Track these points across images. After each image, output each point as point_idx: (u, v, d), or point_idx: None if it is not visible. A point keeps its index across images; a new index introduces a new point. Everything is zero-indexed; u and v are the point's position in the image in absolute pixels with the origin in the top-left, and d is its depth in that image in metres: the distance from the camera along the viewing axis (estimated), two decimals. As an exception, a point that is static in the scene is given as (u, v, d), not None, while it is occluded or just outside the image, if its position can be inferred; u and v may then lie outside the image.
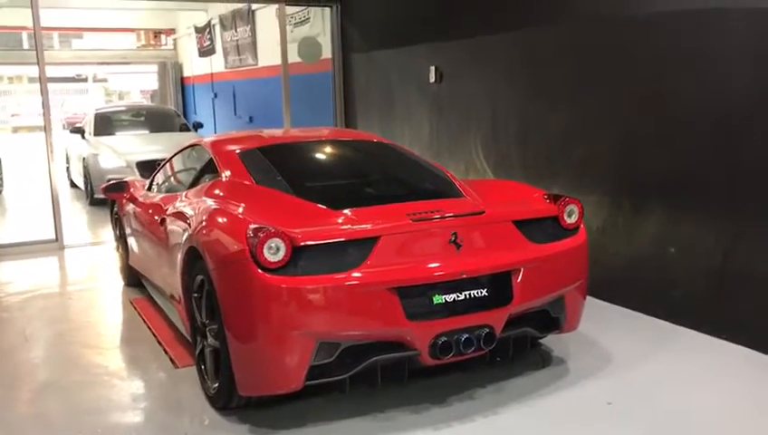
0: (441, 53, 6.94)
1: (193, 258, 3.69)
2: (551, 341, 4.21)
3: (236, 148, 4.44)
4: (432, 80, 7.02)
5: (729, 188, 4.22)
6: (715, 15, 4.19)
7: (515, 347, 3.75)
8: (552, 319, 3.79)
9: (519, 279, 3.49)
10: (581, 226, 3.88)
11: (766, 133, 3.98)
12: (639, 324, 4.64)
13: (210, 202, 3.86)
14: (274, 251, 3.10)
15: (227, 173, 4.18)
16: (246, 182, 4.04)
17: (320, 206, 3.57)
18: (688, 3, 4.33)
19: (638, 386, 3.71)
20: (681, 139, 4.48)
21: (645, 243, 4.82)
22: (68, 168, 12.37)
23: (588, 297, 3.95)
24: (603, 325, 4.52)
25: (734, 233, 4.21)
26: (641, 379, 3.80)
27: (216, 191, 4.04)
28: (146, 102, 22.77)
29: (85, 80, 33.47)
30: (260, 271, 3.10)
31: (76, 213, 9.99)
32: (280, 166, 4.15)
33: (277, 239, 3.10)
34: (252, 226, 3.22)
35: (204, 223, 3.60)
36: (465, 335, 3.32)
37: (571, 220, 3.82)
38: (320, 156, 4.71)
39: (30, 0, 7.23)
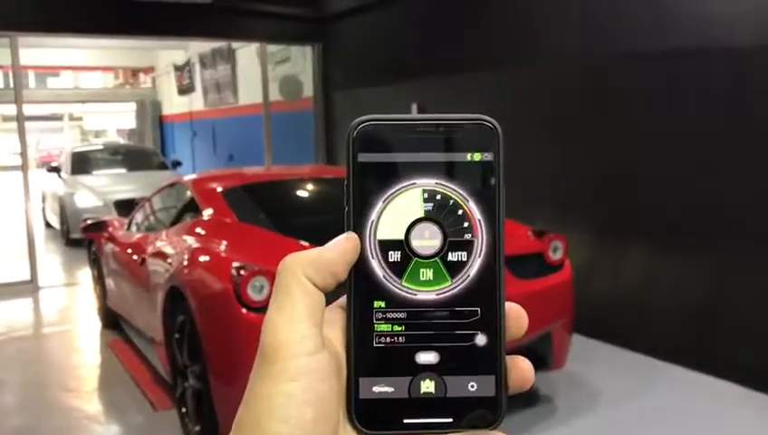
0: (422, 90, 6.99)
1: (174, 298, 3.62)
2: (538, 379, 4.15)
3: (218, 186, 4.40)
4: (413, 117, 7.05)
5: (712, 225, 4.25)
6: (694, 55, 4.26)
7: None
8: (538, 357, 3.75)
9: (506, 316, 3.46)
10: (567, 262, 3.87)
11: (746, 171, 4.03)
12: (626, 361, 4.62)
13: (192, 241, 3.81)
14: (259, 289, 3.05)
15: (209, 211, 4.13)
16: (228, 220, 3.99)
17: (303, 243, 3.53)
18: (668, 42, 4.41)
19: (626, 423, 3.67)
20: (664, 176, 4.52)
21: (629, 279, 4.83)
22: (43, 207, 12.21)
23: (574, 334, 3.93)
24: (590, 363, 4.49)
25: (717, 269, 4.23)
26: (629, 416, 3.76)
27: (198, 230, 3.98)
28: (123, 141, 22.65)
29: (60, 118, 33.26)
30: (244, 310, 3.04)
31: (51, 253, 9.82)
32: (263, 204, 4.12)
33: (261, 277, 3.05)
34: (235, 264, 3.17)
35: (186, 262, 3.54)
36: (453, 374, 3.27)
37: (556, 256, 3.81)
38: (303, 193, 4.68)
39: (9, 40, 7.19)
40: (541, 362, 3.77)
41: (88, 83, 20.68)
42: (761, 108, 3.94)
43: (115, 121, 27.43)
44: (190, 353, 3.51)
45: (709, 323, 4.28)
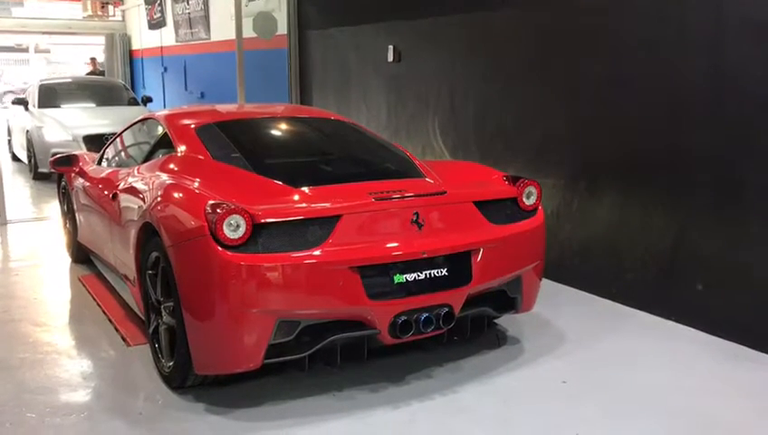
0: (400, 32, 6.90)
1: (148, 235, 3.60)
2: (506, 321, 4.25)
3: (192, 122, 4.33)
4: (390, 59, 6.98)
5: (679, 173, 4.31)
6: (669, 3, 4.25)
7: (472, 327, 3.78)
8: (508, 299, 3.83)
9: (478, 259, 3.51)
10: (540, 207, 3.92)
11: (717, 121, 4.08)
12: (592, 306, 4.73)
13: (165, 177, 3.77)
14: (234, 228, 3.04)
15: (183, 148, 4.08)
16: (202, 157, 3.95)
17: (279, 183, 3.52)
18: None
19: (591, 365, 3.78)
20: (634, 124, 4.55)
21: (598, 226, 4.90)
22: (9, 140, 11.95)
23: (543, 279, 4.01)
24: (557, 306, 4.59)
25: (683, 217, 4.31)
26: (594, 358, 3.87)
27: (172, 166, 3.94)
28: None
29: (26, 50, 32.22)
30: (219, 248, 3.04)
31: (19, 187, 9.67)
32: (237, 142, 4.08)
33: (237, 216, 3.05)
34: (210, 202, 3.15)
35: (159, 198, 3.51)
36: (425, 315, 3.33)
37: (530, 202, 3.85)
38: (278, 132, 4.64)
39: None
40: (510, 304, 3.85)
41: (54, 14, 19.98)
42: (738, 56, 3.96)
43: (84, 54, 26.65)
44: (164, 290, 3.51)
45: (674, 271, 4.39)
